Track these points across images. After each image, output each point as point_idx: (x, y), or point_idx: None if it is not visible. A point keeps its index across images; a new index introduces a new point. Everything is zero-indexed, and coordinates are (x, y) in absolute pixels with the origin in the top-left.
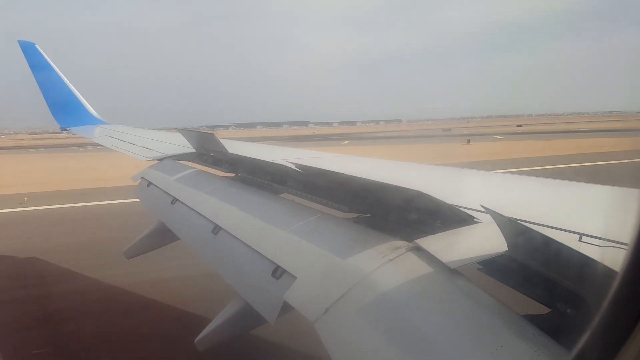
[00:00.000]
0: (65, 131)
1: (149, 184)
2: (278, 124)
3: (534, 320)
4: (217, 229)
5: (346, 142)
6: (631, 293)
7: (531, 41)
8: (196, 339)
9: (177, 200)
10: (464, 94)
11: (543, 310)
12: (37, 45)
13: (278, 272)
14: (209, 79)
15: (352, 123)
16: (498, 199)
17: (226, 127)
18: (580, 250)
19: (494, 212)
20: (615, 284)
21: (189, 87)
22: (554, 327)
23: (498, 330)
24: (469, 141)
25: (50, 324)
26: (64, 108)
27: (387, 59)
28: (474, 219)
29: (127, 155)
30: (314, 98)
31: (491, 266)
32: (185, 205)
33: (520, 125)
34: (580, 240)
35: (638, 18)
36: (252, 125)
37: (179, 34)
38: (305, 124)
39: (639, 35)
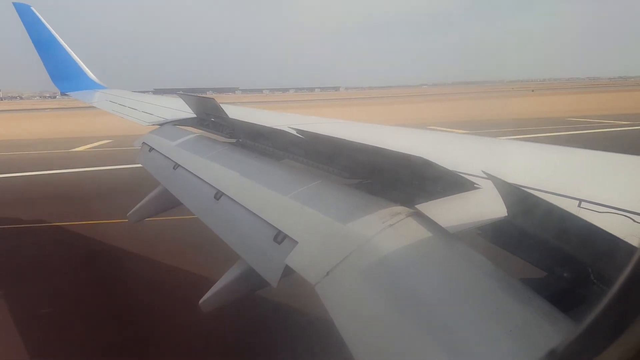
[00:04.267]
0: (64, 96)
1: (151, 149)
2: (203, 90)
3: (531, 283)
4: (219, 194)
5: None
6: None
7: (528, 4)
8: (200, 301)
9: (179, 165)
10: (448, 60)
11: (540, 274)
12: (32, 8)
13: (280, 236)
14: (207, 41)
15: (285, 90)
16: (499, 164)
17: (233, 91)
18: (579, 216)
19: (495, 177)
20: (632, 262)
21: (188, 49)
22: (551, 290)
23: (496, 294)
24: None
25: None
26: (63, 72)
27: (385, 22)
28: (475, 185)
29: (127, 119)
30: (305, 62)
31: (491, 231)
32: (187, 170)
33: None
34: (579, 205)
35: None
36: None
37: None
38: (232, 90)
39: None
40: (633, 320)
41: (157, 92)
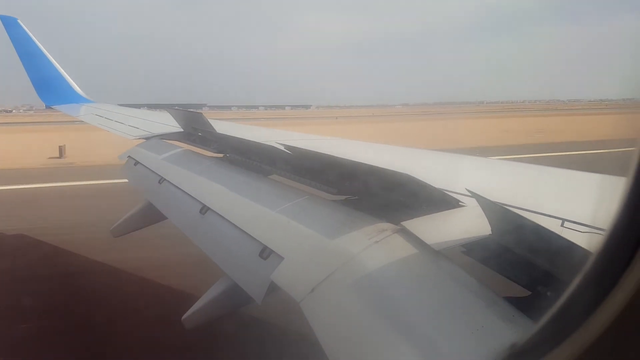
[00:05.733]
0: (50, 109)
1: (136, 162)
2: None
3: (514, 302)
4: (205, 209)
5: None
6: (599, 277)
7: (524, 26)
8: (183, 317)
9: (164, 179)
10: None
11: (524, 293)
12: (19, 20)
13: (265, 252)
14: (194, 58)
15: (254, 107)
16: (483, 183)
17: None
18: (562, 235)
19: (479, 196)
20: (587, 265)
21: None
22: (534, 309)
23: (479, 312)
24: None
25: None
26: (49, 85)
27: (374, 42)
28: (459, 203)
29: (113, 133)
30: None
31: (475, 249)
32: (173, 184)
33: None
34: (562, 225)
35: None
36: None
37: (165, 12)
38: (199, 107)
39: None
40: (583, 321)
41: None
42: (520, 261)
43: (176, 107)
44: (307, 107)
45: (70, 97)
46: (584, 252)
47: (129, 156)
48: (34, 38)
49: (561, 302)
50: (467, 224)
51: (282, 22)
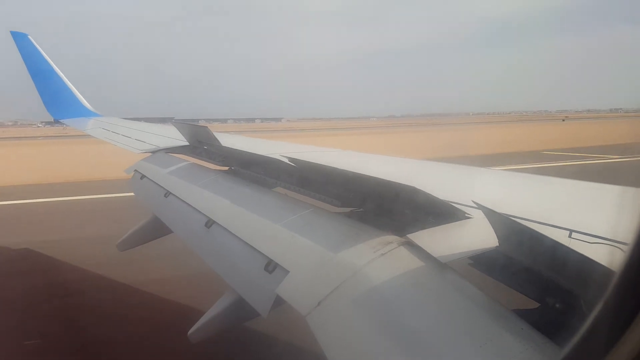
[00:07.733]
0: (58, 123)
1: (142, 176)
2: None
3: (523, 314)
4: (210, 222)
5: None
6: (627, 294)
7: (521, 38)
8: (189, 331)
9: (170, 193)
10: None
11: (532, 305)
12: (29, 37)
13: (271, 266)
14: (199, 73)
15: (223, 120)
16: (490, 194)
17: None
18: (570, 247)
19: (486, 207)
20: (612, 283)
21: (178, 80)
22: (543, 321)
23: (487, 325)
24: None
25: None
26: (57, 100)
27: (379, 53)
28: (466, 215)
29: (120, 147)
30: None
31: (482, 261)
32: (179, 198)
33: None
34: (570, 236)
35: (628, 14)
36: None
37: (171, 27)
38: (165, 121)
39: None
40: (613, 346)
41: None
42: (528, 273)
43: (143, 121)
44: (278, 120)
45: (78, 111)
46: (592, 263)
47: (135, 170)
48: (43, 53)
49: (582, 332)
50: (474, 236)
51: (262, 34)
